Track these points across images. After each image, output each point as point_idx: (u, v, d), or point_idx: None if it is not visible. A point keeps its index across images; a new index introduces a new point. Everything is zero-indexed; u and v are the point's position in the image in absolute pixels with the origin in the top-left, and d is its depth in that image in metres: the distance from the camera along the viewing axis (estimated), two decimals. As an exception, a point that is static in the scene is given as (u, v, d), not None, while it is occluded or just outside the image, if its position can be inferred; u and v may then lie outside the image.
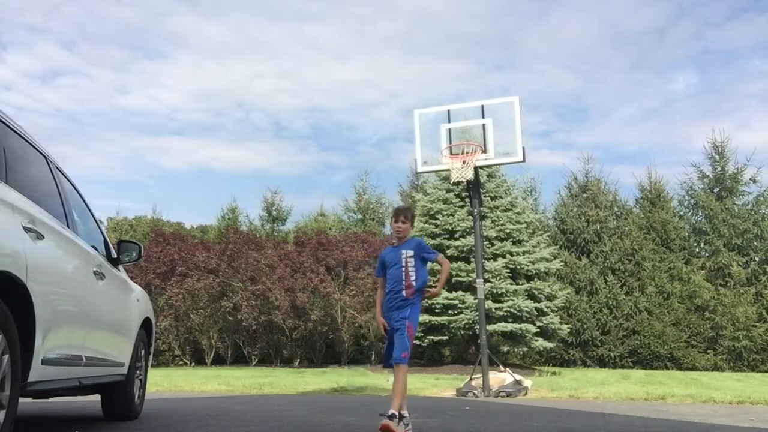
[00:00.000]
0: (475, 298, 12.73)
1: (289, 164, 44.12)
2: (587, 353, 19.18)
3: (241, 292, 17.79)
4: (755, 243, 19.92)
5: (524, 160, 9.31)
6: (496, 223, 16.08)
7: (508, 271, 15.57)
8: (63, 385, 3.73)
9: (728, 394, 8.26)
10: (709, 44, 41.01)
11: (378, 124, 44.91)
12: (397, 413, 4.27)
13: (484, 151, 9.20)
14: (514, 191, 17.71)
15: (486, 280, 14.07)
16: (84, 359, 3.86)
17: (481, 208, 13.87)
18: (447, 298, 14.97)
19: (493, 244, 15.83)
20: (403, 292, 4.56)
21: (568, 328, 16.86)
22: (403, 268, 4.60)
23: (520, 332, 14.81)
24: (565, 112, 43.42)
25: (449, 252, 15.64)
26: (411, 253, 4.62)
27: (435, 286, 4.77)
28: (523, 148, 9.14)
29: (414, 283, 4.57)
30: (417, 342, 15.58)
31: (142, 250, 5.07)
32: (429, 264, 4.76)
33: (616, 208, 21.67)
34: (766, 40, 38.17)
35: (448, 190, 16.42)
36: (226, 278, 18.31)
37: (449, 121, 9.49)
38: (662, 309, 19.26)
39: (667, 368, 18.22)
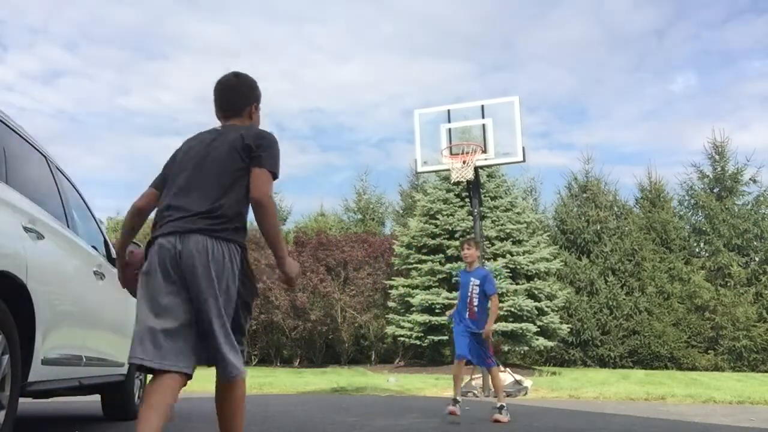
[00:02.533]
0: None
1: (290, 164, 44.08)
2: (587, 353, 19.18)
3: (241, 292, 17.79)
4: (755, 243, 19.91)
5: (524, 160, 9.32)
6: (496, 223, 16.08)
7: (509, 270, 15.57)
8: (63, 385, 3.73)
9: (728, 394, 8.25)
10: (708, 45, 41.00)
11: (378, 124, 44.89)
12: (504, 404, 5.28)
13: (484, 151, 9.20)
14: (514, 191, 17.70)
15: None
16: (84, 359, 3.86)
17: (481, 208, 13.85)
18: (447, 298, 14.96)
19: (493, 244, 15.82)
20: (467, 314, 5.39)
21: (568, 328, 16.85)
22: (469, 294, 5.37)
23: (520, 331, 14.80)
24: (565, 112, 43.37)
25: (449, 252, 15.63)
26: (478, 282, 5.36)
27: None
28: (523, 148, 9.14)
29: (476, 309, 5.35)
30: (417, 342, 15.58)
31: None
32: None
33: (616, 208, 21.65)
34: (765, 41, 38.18)
35: (448, 190, 16.41)
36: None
37: (449, 121, 9.50)
38: (662, 309, 19.25)
39: (667, 368, 18.21)
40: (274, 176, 2.43)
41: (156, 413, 2.16)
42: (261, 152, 2.42)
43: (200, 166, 2.43)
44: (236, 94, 2.66)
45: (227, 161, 2.40)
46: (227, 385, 2.44)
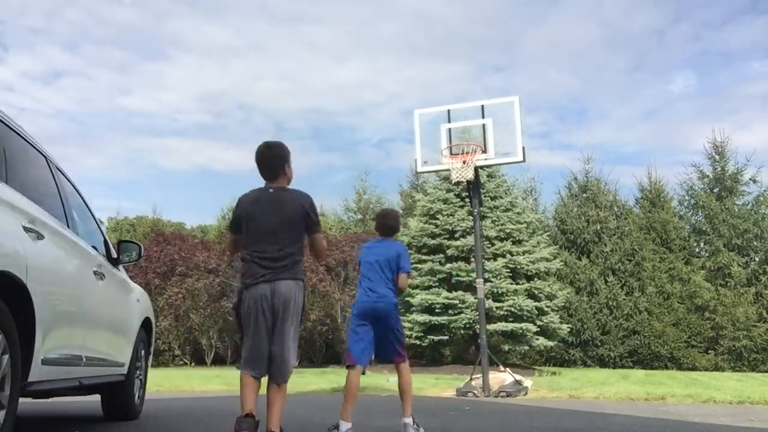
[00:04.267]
0: (475, 298, 12.73)
1: (289, 164, 44.01)
2: (587, 353, 19.17)
3: (241, 292, 17.79)
4: (755, 243, 19.91)
5: (524, 160, 9.30)
6: (496, 223, 16.07)
7: (509, 270, 15.57)
8: (63, 385, 3.72)
9: (728, 394, 8.25)
10: (708, 46, 41.03)
11: (378, 124, 44.95)
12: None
13: (484, 151, 9.19)
14: (514, 191, 17.71)
15: (486, 280, 14.06)
16: (84, 359, 3.85)
17: (481, 208, 13.86)
18: (447, 298, 14.96)
19: (493, 244, 15.82)
20: None
21: (568, 328, 16.86)
22: None
23: (520, 331, 14.81)
24: (565, 113, 43.46)
25: (449, 252, 15.62)
26: None
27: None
28: (523, 148, 9.12)
29: None
30: (417, 342, 15.56)
31: (142, 250, 5.06)
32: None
33: (616, 209, 21.66)
34: (765, 41, 38.19)
35: (448, 190, 16.41)
36: (226, 278, 18.31)
37: (449, 121, 9.48)
38: (662, 309, 19.25)
39: (667, 368, 18.21)
40: None
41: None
42: (316, 219, 3.54)
43: (273, 225, 3.40)
44: (273, 164, 3.53)
45: (296, 224, 3.46)
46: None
